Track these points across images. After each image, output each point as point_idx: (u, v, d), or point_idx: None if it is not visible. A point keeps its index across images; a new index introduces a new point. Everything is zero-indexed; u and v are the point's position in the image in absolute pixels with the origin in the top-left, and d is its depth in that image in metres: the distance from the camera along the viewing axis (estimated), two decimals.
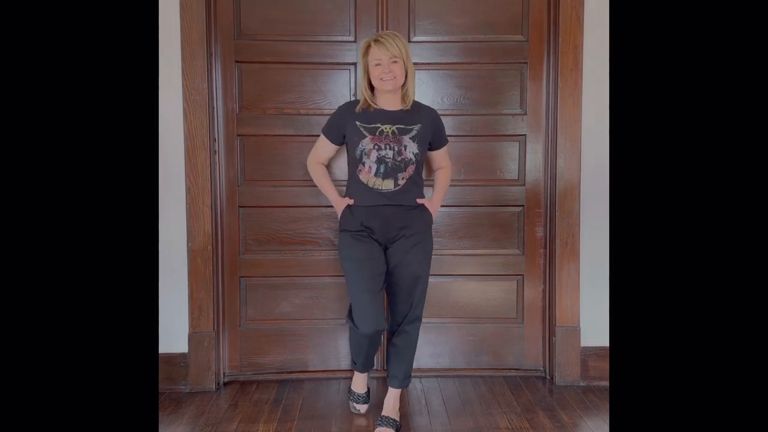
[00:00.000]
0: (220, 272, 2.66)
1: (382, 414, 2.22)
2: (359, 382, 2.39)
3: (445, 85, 2.67)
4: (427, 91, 2.67)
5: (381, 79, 2.10)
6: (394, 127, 2.14)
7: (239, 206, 2.66)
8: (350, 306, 2.20)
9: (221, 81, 2.61)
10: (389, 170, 2.13)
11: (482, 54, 2.65)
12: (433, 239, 2.66)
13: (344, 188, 2.33)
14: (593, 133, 2.59)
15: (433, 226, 2.69)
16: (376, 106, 2.17)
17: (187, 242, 2.56)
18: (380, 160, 2.12)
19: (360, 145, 2.12)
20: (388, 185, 2.14)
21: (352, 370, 2.44)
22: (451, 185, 2.69)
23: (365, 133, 2.13)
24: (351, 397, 2.39)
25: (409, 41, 2.63)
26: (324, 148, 2.29)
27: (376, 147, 2.12)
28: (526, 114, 2.68)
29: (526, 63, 2.66)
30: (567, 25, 2.55)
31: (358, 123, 2.14)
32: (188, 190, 2.55)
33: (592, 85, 2.57)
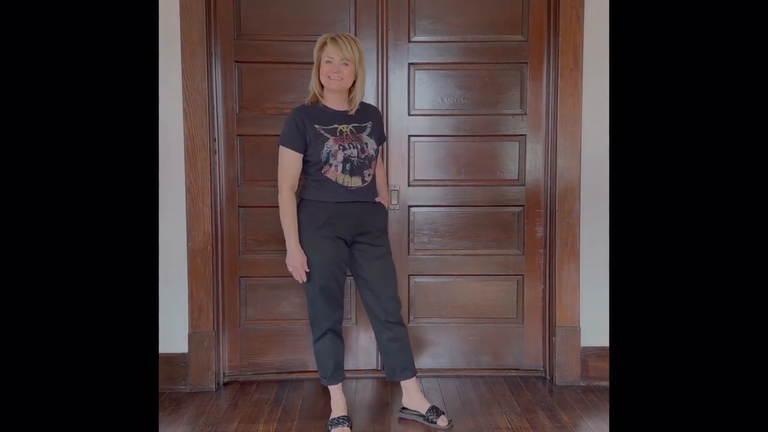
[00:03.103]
0: (220, 272, 2.66)
1: (431, 406, 2.27)
2: (338, 401, 2.27)
3: (445, 85, 2.67)
4: (427, 91, 2.67)
5: (329, 77, 2.10)
6: (350, 126, 2.16)
7: (239, 206, 2.66)
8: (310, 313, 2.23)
9: (221, 81, 2.61)
10: (355, 168, 2.14)
11: (482, 54, 2.65)
12: (433, 239, 2.74)
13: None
14: (593, 133, 2.59)
15: (433, 226, 2.71)
16: (324, 103, 2.16)
17: (187, 242, 2.56)
18: (346, 160, 2.12)
19: (325, 147, 2.10)
20: (356, 182, 2.15)
21: (352, 369, 2.41)
22: (451, 185, 2.70)
23: (327, 135, 2.12)
24: (331, 425, 2.21)
25: (409, 41, 2.63)
26: (295, 163, 2.14)
27: (341, 147, 2.12)
28: (526, 114, 2.68)
29: (526, 63, 2.66)
30: (567, 25, 2.55)
31: (317, 126, 2.12)
32: (188, 190, 2.55)
33: (592, 85, 2.57)
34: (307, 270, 2.14)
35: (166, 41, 2.48)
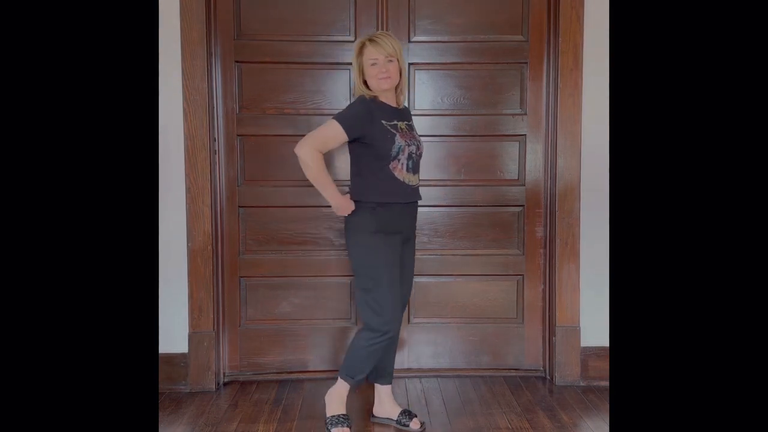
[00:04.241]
0: (220, 272, 2.66)
1: (403, 410, 2.25)
2: (344, 398, 2.22)
3: (445, 85, 2.67)
4: (427, 91, 2.67)
5: (378, 78, 2.06)
6: (404, 123, 2.14)
7: (239, 206, 2.66)
8: (367, 319, 2.11)
9: (221, 81, 2.61)
10: (414, 165, 2.13)
11: (482, 54, 2.65)
12: (433, 239, 2.75)
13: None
14: (593, 133, 2.59)
15: (433, 226, 2.72)
16: (381, 99, 2.13)
17: (187, 242, 2.56)
18: (409, 156, 2.10)
19: (396, 143, 2.05)
20: (415, 180, 2.15)
21: None
22: (450, 185, 2.70)
23: (393, 131, 2.07)
24: (331, 425, 2.16)
25: (409, 41, 2.63)
26: (336, 139, 2.03)
27: (407, 143, 2.09)
28: (526, 114, 2.68)
29: (526, 63, 2.66)
30: (567, 25, 2.55)
31: (383, 122, 2.07)
32: (188, 190, 2.55)
33: (592, 85, 2.57)
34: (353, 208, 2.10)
35: (166, 41, 2.48)
